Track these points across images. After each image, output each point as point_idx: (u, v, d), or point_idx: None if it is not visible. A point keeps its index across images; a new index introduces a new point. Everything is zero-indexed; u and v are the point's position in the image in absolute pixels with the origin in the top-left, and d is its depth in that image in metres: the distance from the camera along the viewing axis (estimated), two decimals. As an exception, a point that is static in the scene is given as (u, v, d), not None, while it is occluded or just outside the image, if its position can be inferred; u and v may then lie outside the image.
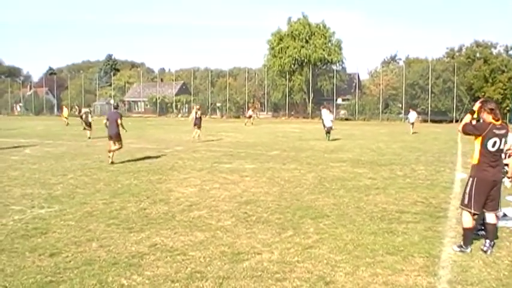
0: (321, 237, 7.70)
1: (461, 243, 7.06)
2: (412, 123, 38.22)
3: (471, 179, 7.10)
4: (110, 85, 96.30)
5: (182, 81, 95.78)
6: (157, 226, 8.36)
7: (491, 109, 6.98)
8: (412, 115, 39.11)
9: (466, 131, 7.13)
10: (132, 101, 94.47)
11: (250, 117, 52.59)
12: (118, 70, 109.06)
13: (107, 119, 18.03)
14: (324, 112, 30.31)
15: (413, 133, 36.06)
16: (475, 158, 7.09)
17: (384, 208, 9.96)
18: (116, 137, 17.50)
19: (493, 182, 7.01)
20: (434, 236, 7.90)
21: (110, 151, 17.34)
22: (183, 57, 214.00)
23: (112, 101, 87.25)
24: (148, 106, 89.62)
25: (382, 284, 5.80)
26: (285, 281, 5.85)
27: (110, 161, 16.93)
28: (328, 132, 28.95)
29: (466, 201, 7.10)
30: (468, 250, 6.94)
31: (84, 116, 31.98)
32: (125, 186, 12.33)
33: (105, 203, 10.29)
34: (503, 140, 6.95)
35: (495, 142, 6.88)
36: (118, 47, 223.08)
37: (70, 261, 6.48)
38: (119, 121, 17.46)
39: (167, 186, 12.47)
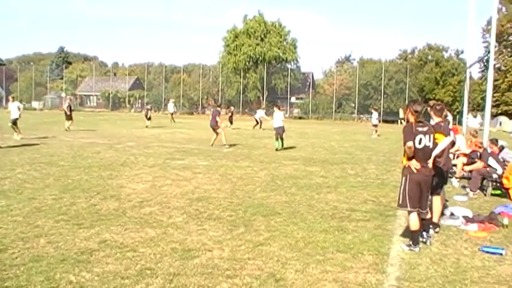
0: (272, 235, 7.73)
1: (410, 242, 7.20)
2: (375, 125, 35.00)
3: (403, 178, 7.26)
4: (62, 78, 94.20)
5: (136, 76, 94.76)
6: (107, 222, 8.25)
7: (416, 111, 7.17)
8: (375, 116, 35.88)
9: (407, 147, 7.09)
10: (84, 95, 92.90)
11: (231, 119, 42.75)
12: (70, 63, 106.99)
13: (211, 114, 23.30)
14: (275, 111, 23.05)
15: (378, 135, 33.57)
16: (405, 160, 7.28)
17: (335, 206, 10.08)
18: (214, 127, 22.36)
19: (425, 177, 7.23)
20: (384, 234, 8.03)
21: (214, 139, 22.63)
22: (137, 52, 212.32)
23: (63, 94, 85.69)
24: (101, 100, 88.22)
25: (332, 281, 5.86)
26: (236, 278, 5.85)
27: (211, 143, 22.48)
28: (280, 136, 21.88)
29: (401, 201, 7.26)
30: (417, 249, 7.08)
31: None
32: (75, 182, 12.10)
33: (54, 198, 10.07)
34: (427, 136, 7.14)
35: (421, 139, 7.08)
36: (70, 40, 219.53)
37: (17, 258, 6.31)
38: (217, 118, 22.19)
39: (118, 182, 12.31)
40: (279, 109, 23.19)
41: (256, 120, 39.39)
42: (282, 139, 22.02)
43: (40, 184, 11.66)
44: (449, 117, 18.16)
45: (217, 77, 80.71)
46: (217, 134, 22.45)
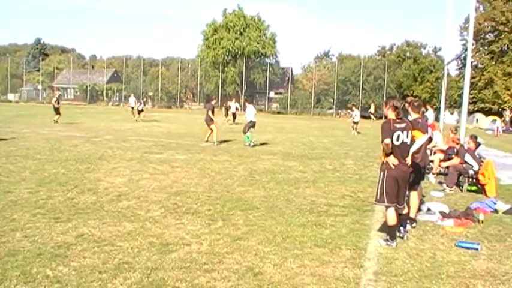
0: (250, 229, 7.74)
1: (388, 237, 7.25)
2: (355, 123, 33.45)
3: (381, 173, 7.31)
4: (38, 70, 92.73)
5: (114, 69, 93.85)
6: (84, 216, 8.18)
7: (396, 107, 7.23)
8: (357, 114, 34.36)
9: (385, 144, 7.11)
10: (62, 88, 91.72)
11: (227, 114, 41.86)
12: (47, 55, 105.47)
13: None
14: (247, 106, 23.28)
15: (358, 133, 32.46)
16: (383, 155, 7.32)
17: (312, 201, 10.11)
18: (208, 122, 21.55)
19: (403, 173, 7.27)
20: (361, 228, 8.08)
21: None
22: (115, 45, 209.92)
23: (40, 87, 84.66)
24: (78, 93, 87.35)
25: (310, 275, 5.88)
26: (214, 272, 5.85)
27: (205, 139, 21.69)
28: (244, 131, 21.75)
29: (378, 196, 7.31)
30: (394, 244, 7.13)
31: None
32: (52, 175, 11.97)
33: (30, 192, 9.95)
34: (405, 133, 7.20)
35: (399, 135, 7.14)
36: (48, 31, 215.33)
37: (-9, 252, 6.25)
38: (209, 112, 21.55)
39: (96, 175, 12.21)
40: (249, 103, 23.57)
41: (234, 114, 39.43)
42: (244, 133, 21.56)
43: (16, 177, 11.51)
44: (430, 113, 18.33)
45: (195, 70, 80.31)
46: (211, 129, 21.60)
